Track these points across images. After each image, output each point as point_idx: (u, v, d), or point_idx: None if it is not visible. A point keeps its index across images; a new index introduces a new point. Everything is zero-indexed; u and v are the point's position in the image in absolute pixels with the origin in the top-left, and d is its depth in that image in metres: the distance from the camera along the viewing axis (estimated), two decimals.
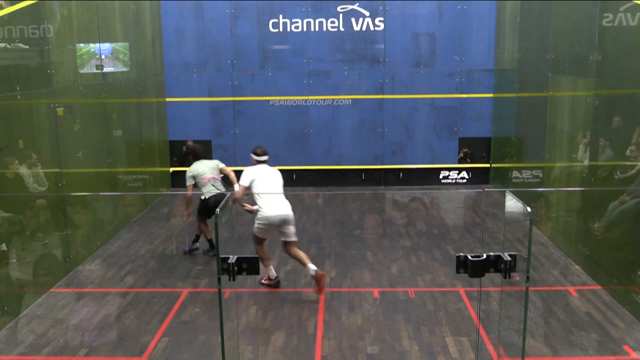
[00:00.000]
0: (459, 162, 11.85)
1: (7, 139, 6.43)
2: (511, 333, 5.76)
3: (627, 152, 6.49)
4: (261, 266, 6.71)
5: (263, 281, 6.99)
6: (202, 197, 7.94)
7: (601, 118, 7.07)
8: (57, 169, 7.35)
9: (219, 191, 7.91)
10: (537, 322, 6.04)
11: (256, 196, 6.83)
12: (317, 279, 6.56)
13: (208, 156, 8.11)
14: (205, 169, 7.93)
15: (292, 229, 6.83)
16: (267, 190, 6.85)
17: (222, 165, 8.12)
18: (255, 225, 6.80)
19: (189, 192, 7.92)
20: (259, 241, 6.92)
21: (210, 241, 8.10)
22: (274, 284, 6.99)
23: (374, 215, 10.04)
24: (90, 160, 8.39)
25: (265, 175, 6.99)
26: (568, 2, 8.10)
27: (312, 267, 6.62)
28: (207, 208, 7.91)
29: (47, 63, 7.24)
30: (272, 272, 7.00)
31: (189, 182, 7.90)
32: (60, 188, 7.37)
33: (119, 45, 9.53)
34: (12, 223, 6.45)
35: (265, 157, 7.08)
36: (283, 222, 6.76)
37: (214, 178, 7.94)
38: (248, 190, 6.90)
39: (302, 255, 6.79)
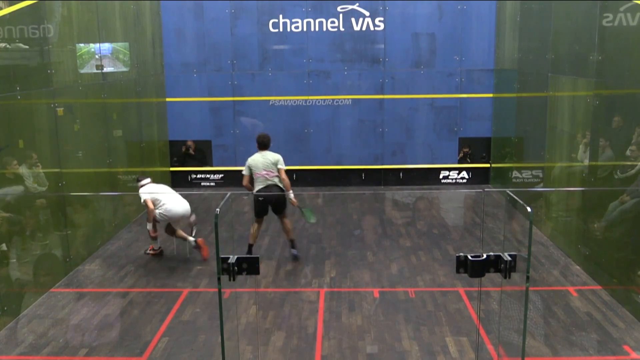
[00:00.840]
0: (459, 162, 11.84)
1: (7, 139, 6.43)
2: (511, 333, 5.76)
3: (628, 152, 6.49)
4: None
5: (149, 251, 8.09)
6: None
7: (601, 118, 7.07)
8: (57, 169, 7.35)
9: (268, 186, 7.67)
10: (537, 322, 6.04)
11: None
12: (199, 246, 7.76)
13: (268, 148, 7.85)
14: (259, 164, 7.70)
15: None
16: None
17: (280, 166, 7.76)
18: None
19: (245, 182, 7.82)
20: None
21: (292, 241, 7.97)
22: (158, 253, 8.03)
23: (374, 215, 10.04)
24: (90, 160, 8.38)
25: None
26: (568, 2, 8.10)
27: (191, 238, 7.81)
28: (258, 205, 7.80)
29: (47, 63, 7.24)
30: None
31: (245, 172, 7.79)
32: (60, 188, 7.37)
33: (119, 45, 9.53)
34: (12, 223, 6.45)
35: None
36: None
37: (267, 173, 7.67)
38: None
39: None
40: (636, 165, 6.33)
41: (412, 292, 6.83)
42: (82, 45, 8.28)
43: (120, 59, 9.58)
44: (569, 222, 8.00)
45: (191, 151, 11.88)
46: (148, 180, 8.12)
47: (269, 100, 11.71)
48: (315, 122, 11.76)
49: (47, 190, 7.08)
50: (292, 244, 7.98)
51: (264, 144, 7.84)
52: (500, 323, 6.00)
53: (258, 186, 7.68)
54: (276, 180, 7.69)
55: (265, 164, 7.69)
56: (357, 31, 11.50)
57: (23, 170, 6.73)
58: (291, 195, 7.66)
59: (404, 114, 11.72)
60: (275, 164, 7.71)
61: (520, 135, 10.02)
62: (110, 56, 9.21)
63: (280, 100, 11.72)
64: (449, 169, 11.84)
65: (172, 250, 8.34)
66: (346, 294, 6.83)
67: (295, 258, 7.93)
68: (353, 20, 11.46)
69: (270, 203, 7.74)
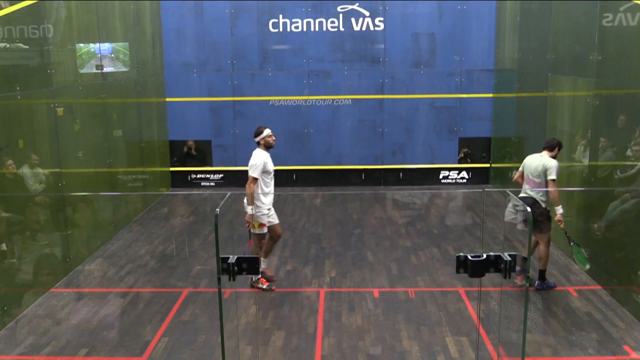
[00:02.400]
0: (459, 162, 11.85)
1: (7, 139, 6.43)
2: (511, 333, 5.76)
3: (628, 152, 6.48)
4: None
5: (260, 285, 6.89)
6: None
7: (601, 118, 7.07)
8: (57, 169, 7.35)
9: (529, 196, 6.68)
10: (537, 322, 6.04)
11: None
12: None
13: None
14: (529, 169, 6.76)
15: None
16: None
17: (550, 177, 6.56)
18: None
19: (515, 177, 6.99)
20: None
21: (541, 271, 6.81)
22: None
23: (374, 215, 10.04)
24: (90, 160, 8.38)
25: None
26: (568, 2, 8.10)
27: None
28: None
29: (47, 63, 7.24)
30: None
31: (521, 168, 6.90)
32: (60, 188, 7.37)
33: (119, 45, 9.53)
34: (12, 223, 6.45)
35: (255, 139, 6.77)
36: None
37: (533, 182, 6.71)
38: None
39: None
40: (636, 165, 6.33)
41: (412, 292, 6.83)
42: (82, 45, 8.28)
43: (120, 59, 9.58)
44: (569, 222, 7.99)
45: (192, 151, 11.89)
46: None
47: (269, 100, 11.71)
48: (315, 122, 11.76)
49: (47, 190, 7.08)
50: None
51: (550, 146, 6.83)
52: (500, 323, 6.01)
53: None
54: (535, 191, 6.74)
55: (532, 169, 6.77)
56: (357, 31, 11.50)
57: (25, 170, 6.74)
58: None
59: (404, 114, 11.72)
60: (542, 172, 6.67)
61: (520, 135, 10.02)
62: (110, 56, 9.22)
63: (280, 100, 11.72)
64: (449, 169, 11.84)
65: (172, 250, 8.34)
66: (346, 294, 6.83)
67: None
68: (353, 20, 11.46)
69: None
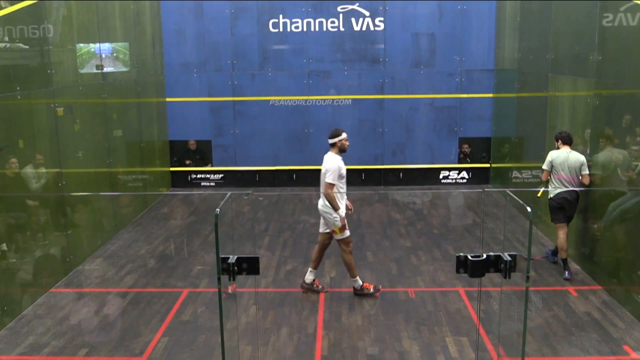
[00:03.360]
0: (459, 162, 11.85)
1: (7, 139, 6.43)
2: (511, 333, 5.76)
3: (628, 152, 6.48)
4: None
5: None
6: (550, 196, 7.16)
7: (601, 118, 7.07)
8: (57, 169, 7.35)
9: (567, 190, 6.97)
10: (537, 322, 6.04)
11: None
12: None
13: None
14: (563, 165, 6.99)
15: (322, 221, 6.68)
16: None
17: (585, 172, 6.92)
18: None
19: (544, 177, 7.18)
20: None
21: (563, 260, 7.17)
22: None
23: (374, 215, 10.03)
24: (90, 160, 8.38)
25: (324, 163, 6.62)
26: (568, 2, 8.10)
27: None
28: (553, 207, 7.15)
29: (47, 63, 7.24)
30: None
31: (546, 166, 7.12)
32: (60, 188, 7.37)
33: (119, 45, 9.53)
34: (12, 223, 6.45)
35: (329, 141, 6.62)
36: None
37: (573, 178, 6.99)
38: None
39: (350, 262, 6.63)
40: (637, 165, 6.32)
41: (412, 292, 6.83)
42: (82, 45, 8.28)
43: (120, 59, 9.58)
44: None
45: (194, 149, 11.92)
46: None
47: (269, 100, 11.71)
48: (315, 122, 11.76)
49: (46, 190, 7.08)
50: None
51: (569, 141, 7.17)
52: (500, 323, 6.01)
53: (554, 186, 7.13)
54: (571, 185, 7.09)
55: (569, 165, 7.03)
56: (357, 31, 11.50)
57: (28, 170, 6.74)
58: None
59: (404, 114, 11.72)
60: (578, 167, 6.99)
61: (520, 135, 10.02)
62: (111, 56, 9.22)
63: (280, 100, 11.72)
64: (449, 169, 11.84)
65: (172, 250, 8.35)
66: (346, 294, 6.83)
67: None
68: (353, 20, 11.46)
69: None
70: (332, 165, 6.43)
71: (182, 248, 8.32)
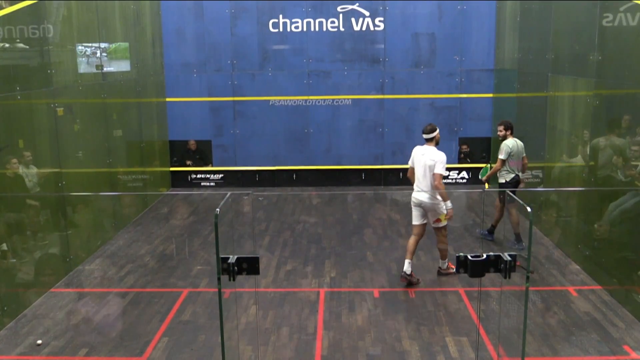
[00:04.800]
0: (459, 162, 11.85)
1: (7, 139, 6.44)
2: (511, 333, 5.76)
3: (628, 153, 6.48)
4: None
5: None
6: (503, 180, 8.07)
7: (601, 118, 7.07)
8: (57, 169, 7.35)
9: (517, 174, 8.03)
10: (537, 322, 6.04)
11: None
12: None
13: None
14: (515, 153, 7.95)
15: (416, 213, 7.11)
16: (417, 171, 7.04)
17: (524, 155, 8.08)
18: None
19: (500, 165, 8.00)
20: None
21: (517, 234, 8.09)
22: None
23: (374, 215, 10.03)
24: (90, 160, 8.38)
25: (418, 155, 7.03)
26: (568, 2, 8.10)
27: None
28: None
29: (47, 63, 7.24)
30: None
31: (505, 156, 7.92)
32: (60, 188, 7.37)
33: (119, 45, 9.53)
34: (12, 223, 6.45)
35: (426, 136, 7.03)
36: (419, 205, 7.03)
37: (518, 163, 8.03)
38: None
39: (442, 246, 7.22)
40: (638, 165, 6.32)
41: (412, 292, 6.83)
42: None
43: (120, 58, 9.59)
44: (569, 222, 8.00)
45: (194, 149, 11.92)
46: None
47: (269, 100, 11.71)
48: (315, 122, 11.76)
49: (47, 190, 7.08)
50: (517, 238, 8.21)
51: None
52: (500, 323, 6.01)
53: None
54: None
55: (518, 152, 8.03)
56: (357, 31, 11.50)
57: (23, 170, 6.74)
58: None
59: (404, 114, 11.72)
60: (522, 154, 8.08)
61: (520, 135, 9.99)
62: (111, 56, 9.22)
63: (280, 100, 11.72)
64: (449, 169, 11.84)
65: (172, 250, 8.35)
66: (346, 294, 6.83)
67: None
68: (353, 20, 11.46)
69: None
70: (442, 157, 6.89)
71: (182, 248, 8.32)
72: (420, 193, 6.95)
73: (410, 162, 7.14)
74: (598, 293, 6.69)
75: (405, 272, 6.91)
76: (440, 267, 7.31)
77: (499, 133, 8.16)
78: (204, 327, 6.02)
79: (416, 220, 7.08)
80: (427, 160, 6.86)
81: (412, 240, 7.05)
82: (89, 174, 8.41)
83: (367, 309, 6.42)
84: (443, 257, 7.27)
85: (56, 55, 7.48)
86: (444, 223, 7.03)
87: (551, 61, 8.57)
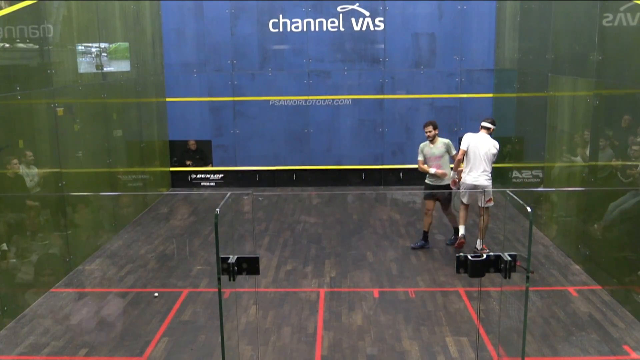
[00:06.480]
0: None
1: (7, 139, 6.44)
2: (511, 333, 5.76)
3: (629, 152, 6.48)
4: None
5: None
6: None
7: (601, 118, 7.07)
8: (57, 169, 7.35)
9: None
10: (537, 322, 6.04)
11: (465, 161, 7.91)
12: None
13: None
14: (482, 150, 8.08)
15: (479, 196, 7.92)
16: (473, 157, 7.80)
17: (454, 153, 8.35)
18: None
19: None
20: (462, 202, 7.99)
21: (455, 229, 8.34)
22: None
23: (374, 215, 10.03)
24: (90, 160, 8.38)
25: (478, 142, 7.78)
26: (568, 2, 8.10)
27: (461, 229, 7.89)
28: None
29: (47, 63, 7.24)
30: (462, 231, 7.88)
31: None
32: (60, 188, 7.37)
33: (119, 45, 9.53)
34: (13, 223, 6.44)
35: (492, 126, 8.00)
36: (473, 187, 7.80)
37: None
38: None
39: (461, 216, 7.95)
40: (638, 165, 6.32)
41: (412, 292, 6.83)
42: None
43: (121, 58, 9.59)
44: (569, 222, 8.00)
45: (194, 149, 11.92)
46: None
47: (269, 100, 11.71)
48: (315, 122, 11.76)
49: (47, 190, 7.08)
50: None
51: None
52: (500, 323, 6.01)
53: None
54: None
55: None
56: (357, 31, 11.50)
57: (23, 170, 6.74)
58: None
59: (404, 114, 11.72)
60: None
61: (520, 135, 10.02)
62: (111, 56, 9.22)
63: (280, 100, 11.72)
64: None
65: (172, 250, 8.35)
66: (346, 294, 6.83)
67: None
68: (353, 20, 11.46)
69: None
70: (498, 145, 7.92)
71: (182, 248, 8.32)
72: (480, 176, 7.74)
73: (464, 147, 7.83)
74: (598, 293, 6.69)
75: (463, 235, 7.77)
76: (476, 247, 7.83)
77: (429, 134, 8.35)
78: (204, 327, 6.03)
79: (467, 200, 7.95)
80: (485, 146, 7.75)
81: (463, 213, 7.92)
82: (89, 174, 8.41)
83: (367, 309, 6.42)
84: (482, 237, 7.93)
85: (56, 55, 7.48)
86: (492, 203, 7.90)
87: (551, 61, 8.57)
